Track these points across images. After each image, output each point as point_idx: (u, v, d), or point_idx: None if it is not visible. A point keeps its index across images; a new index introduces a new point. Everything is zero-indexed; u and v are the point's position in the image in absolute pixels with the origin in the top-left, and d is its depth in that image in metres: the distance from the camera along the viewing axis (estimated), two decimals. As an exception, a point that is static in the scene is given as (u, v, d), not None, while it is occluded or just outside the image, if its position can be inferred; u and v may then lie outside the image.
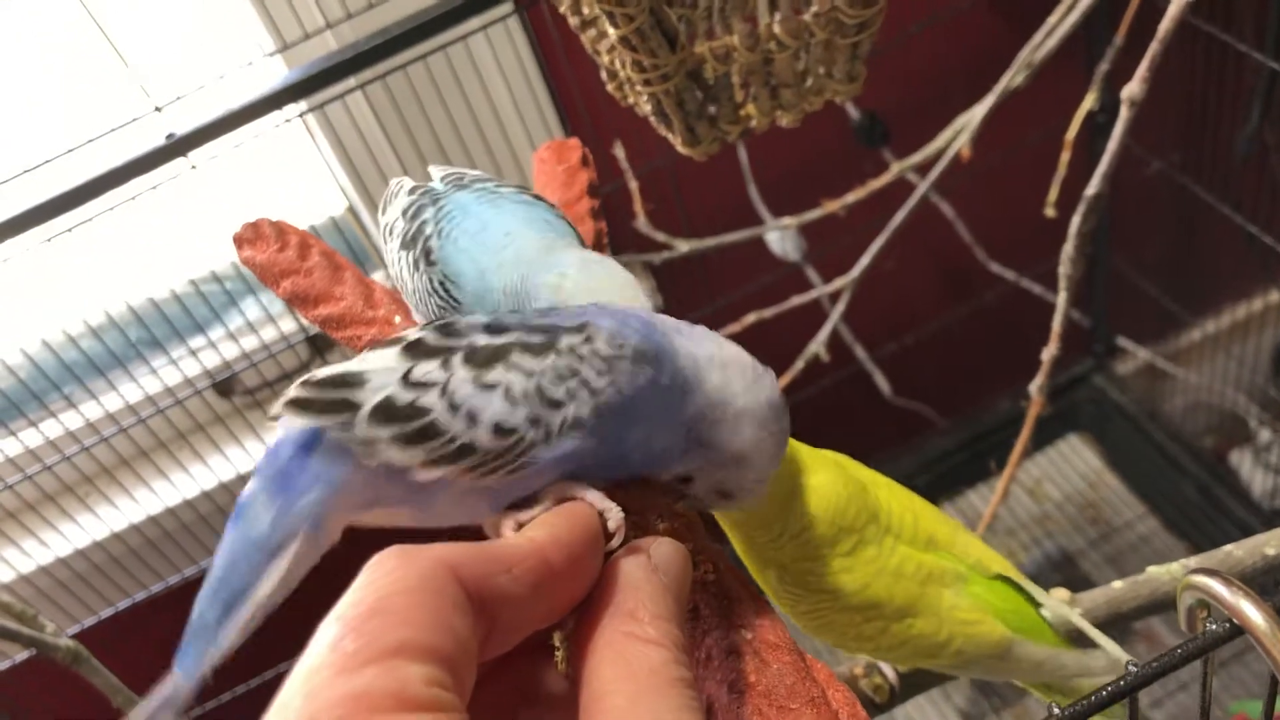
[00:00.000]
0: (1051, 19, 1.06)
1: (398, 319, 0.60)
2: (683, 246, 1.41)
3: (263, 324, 1.46)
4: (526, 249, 0.53)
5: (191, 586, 1.48)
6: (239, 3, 1.28)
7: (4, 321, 1.38)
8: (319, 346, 1.51)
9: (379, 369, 0.40)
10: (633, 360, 0.41)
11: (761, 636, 0.41)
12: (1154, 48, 0.80)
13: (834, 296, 1.51)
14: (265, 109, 1.19)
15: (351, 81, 1.25)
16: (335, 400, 0.39)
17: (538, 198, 0.57)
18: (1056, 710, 0.33)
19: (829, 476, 0.60)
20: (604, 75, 0.79)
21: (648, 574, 0.36)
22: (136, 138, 1.18)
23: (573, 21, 0.74)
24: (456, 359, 0.40)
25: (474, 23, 1.25)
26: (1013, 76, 1.10)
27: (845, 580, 0.59)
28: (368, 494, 0.40)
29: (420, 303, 0.55)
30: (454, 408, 0.39)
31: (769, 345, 0.46)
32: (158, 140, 1.17)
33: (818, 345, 1.34)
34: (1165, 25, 0.78)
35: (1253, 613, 0.33)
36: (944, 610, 0.61)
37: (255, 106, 1.18)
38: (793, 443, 0.61)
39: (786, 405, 0.45)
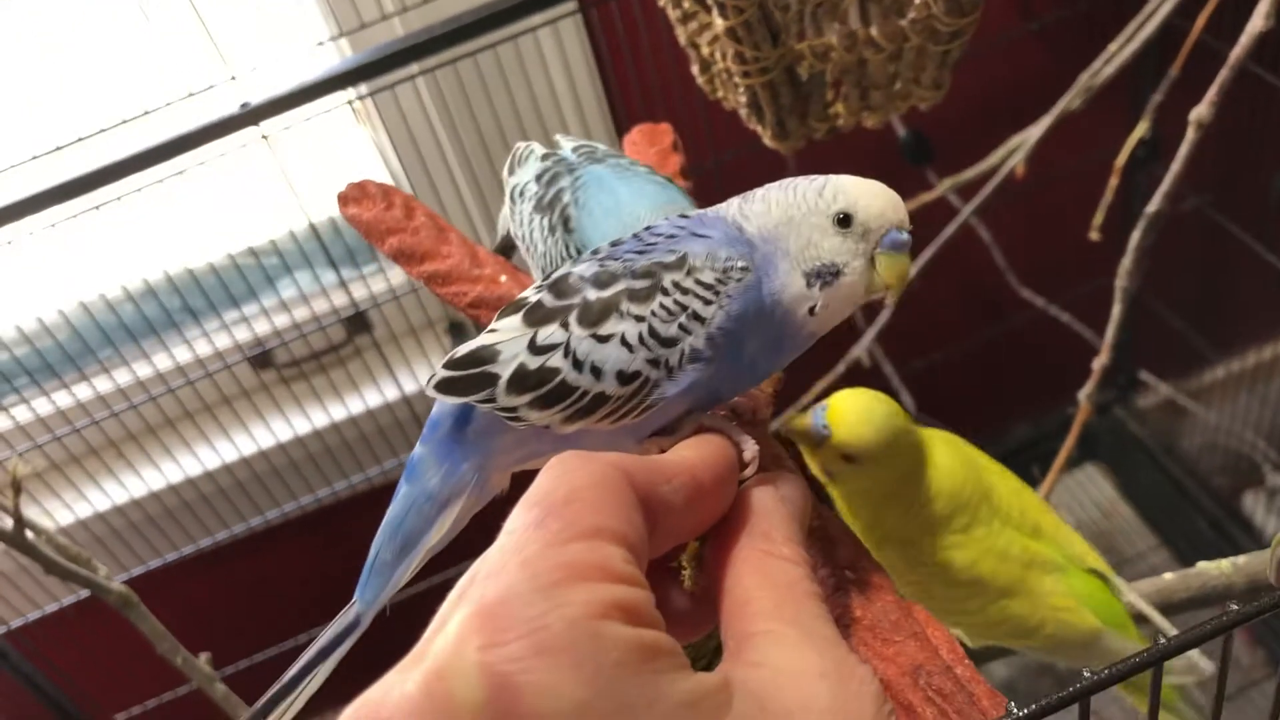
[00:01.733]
0: (1112, 46, 1.10)
1: (503, 278, 0.63)
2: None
3: (300, 301, 1.48)
4: None
5: (239, 544, 1.52)
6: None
7: (66, 277, 1.41)
8: (364, 324, 1.55)
9: (507, 339, 0.43)
10: (736, 278, 0.43)
11: (864, 578, 0.44)
12: (1224, 74, 0.83)
13: (869, 310, 1.54)
14: (336, 86, 1.22)
15: (415, 68, 1.29)
16: (475, 376, 0.43)
17: (669, 180, 0.60)
18: (1163, 640, 0.36)
19: (950, 456, 0.63)
20: (695, 69, 0.82)
21: (777, 502, 0.39)
22: (207, 106, 1.21)
23: (673, 14, 0.77)
24: (573, 318, 0.43)
25: (536, 19, 1.28)
26: (1071, 100, 1.13)
27: (956, 556, 0.62)
28: (521, 450, 0.45)
29: (549, 263, 0.58)
30: (578, 364, 0.42)
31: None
32: (230, 108, 1.20)
33: (860, 350, 1.37)
34: (1236, 53, 0.81)
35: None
36: (1041, 595, 0.64)
37: (326, 83, 1.22)
38: (918, 426, 0.65)
39: None
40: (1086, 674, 0.35)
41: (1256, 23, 0.80)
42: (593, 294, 0.43)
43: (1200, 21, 1.08)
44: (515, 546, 0.30)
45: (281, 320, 1.45)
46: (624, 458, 0.34)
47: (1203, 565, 0.70)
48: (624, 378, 0.42)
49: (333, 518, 1.59)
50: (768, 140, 0.77)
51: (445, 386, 0.43)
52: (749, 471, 0.40)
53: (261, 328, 1.45)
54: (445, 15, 1.24)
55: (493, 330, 0.44)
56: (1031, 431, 2.07)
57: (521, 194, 0.62)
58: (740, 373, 0.45)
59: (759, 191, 0.47)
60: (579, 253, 0.57)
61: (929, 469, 0.63)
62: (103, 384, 1.40)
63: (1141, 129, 1.12)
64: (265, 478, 1.52)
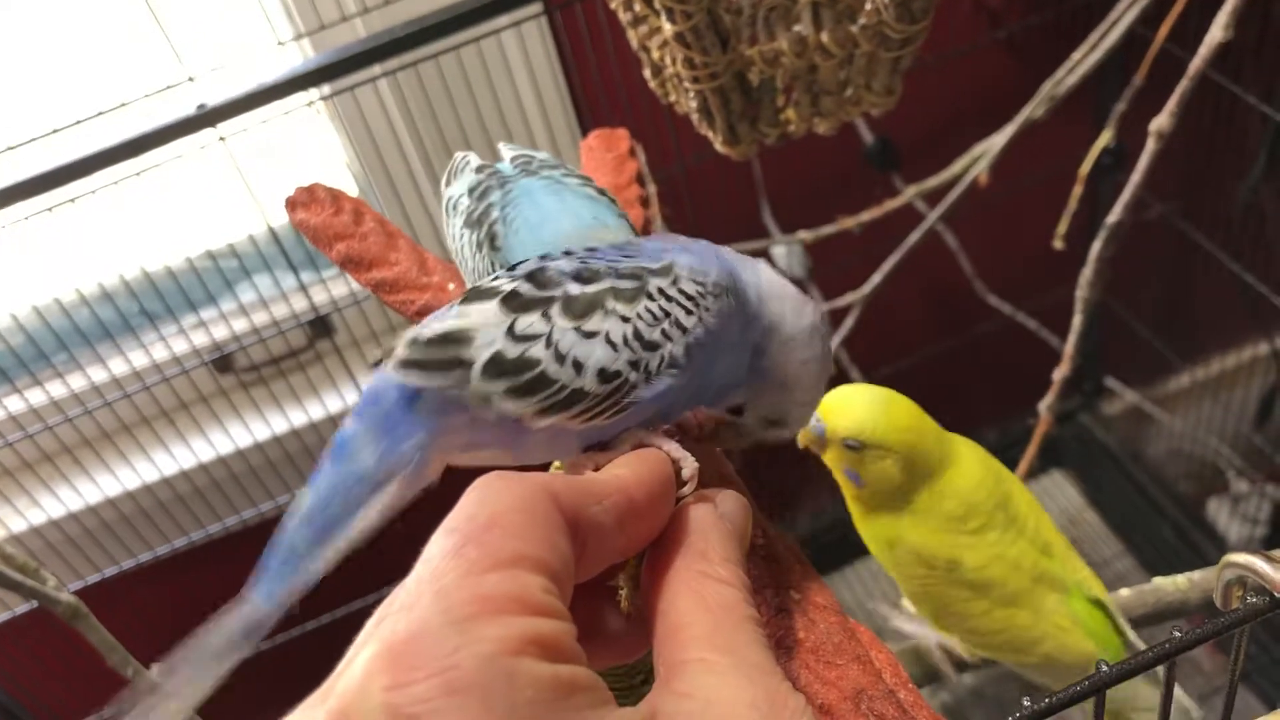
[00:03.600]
0: (1076, 55, 1.09)
1: (451, 286, 0.62)
2: (693, 254, 1.43)
3: (261, 305, 1.46)
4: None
5: (194, 553, 1.50)
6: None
7: (19, 280, 1.39)
8: (326, 328, 1.53)
9: (483, 324, 0.41)
10: (714, 294, 0.43)
11: (809, 598, 0.43)
12: (1184, 85, 0.83)
13: (836, 315, 1.54)
14: (296, 88, 1.21)
15: (377, 69, 1.27)
16: (446, 359, 0.41)
17: (602, 192, 0.58)
18: (1105, 667, 0.35)
19: (971, 457, 0.63)
20: (647, 72, 0.81)
21: (716, 520, 0.37)
22: (166, 107, 1.19)
23: (624, 17, 0.76)
24: (555, 309, 0.41)
25: (502, 20, 1.27)
26: (1034, 108, 1.13)
27: (967, 556, 0.62)
28: (467, 437, 0.42)
29: (478, 278, 0.57)
30: (560, 357, 0.41)
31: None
32: (187, 109, 1.18)
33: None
34: (1196, 64, 0.81)
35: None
36: (1045, 611, 0.64)
37: (286, 85, 1.20)
38: (945, 431, 0.66)
39: (830, 333, 0.48)
40: (1026, 702, 0.35)
41: (1215, 34, 0.80)
42: (575, 288, 0.42)
43: (1163, 31, 1.07)
44: (431, 576, 0.29)
45: (242, 325, 1.43)
46: (553, 478, 0.33)
47: (1158, 581, 0.69)
48: (605, 376, 0.41)
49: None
50: (719, 146, 0.76)
51: (410, 366, 0.41)
52: (687, 489, 0.39)
53: (221, 332, 1.43)
54: (408, 16, 1.23)
55: (462, 314, 0.42)
56: (998, 438, 2.07)
57: (455, 208, 0.61)
58: (698, 393, 0.44)
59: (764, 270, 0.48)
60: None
61: (947, 463, 0.64)
62: (56, 389, 1.38)
63: (1105, 138, 1.12)
64: (224, 484, 1.50)
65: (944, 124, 1.64)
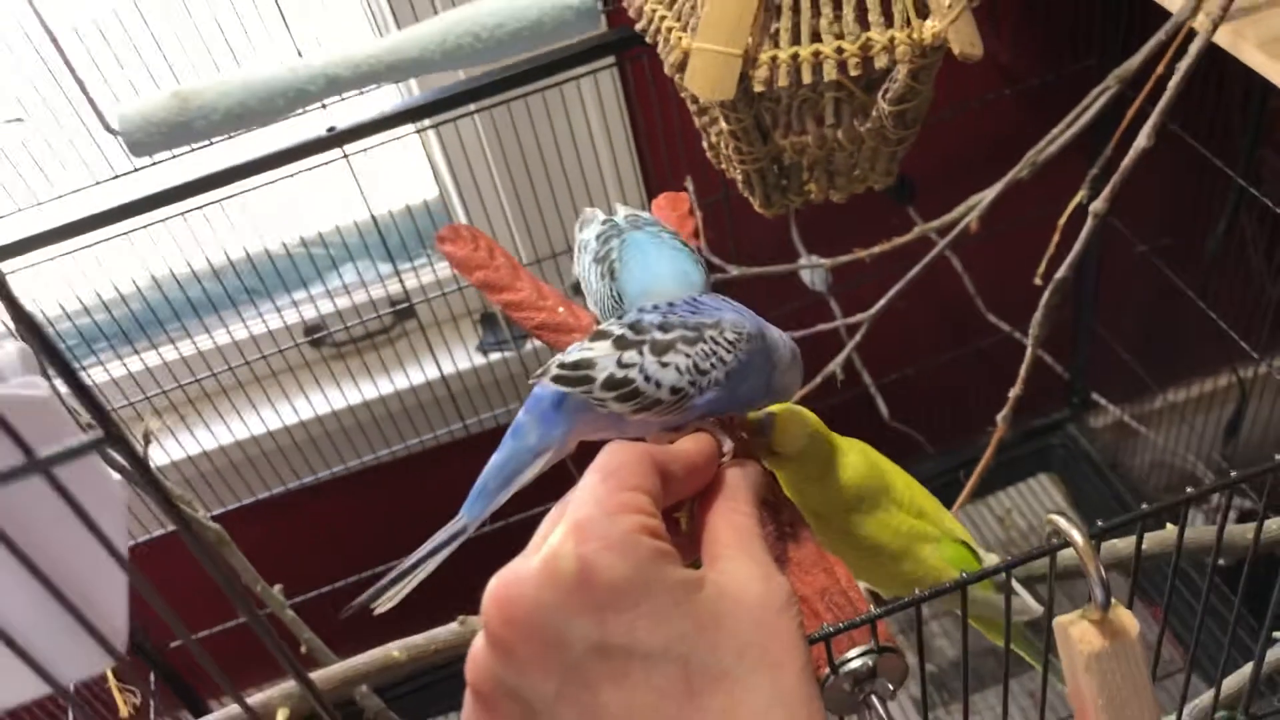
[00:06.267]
0: (1054, 130, 1.32)
1: (560, 309, 0.86)
2: (733, 270, 1.67)
3: (363, 284, 1.72)
4: (657, 290, 0.80)
5: (310, 490, 1.76)
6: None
7: (154, 258, 1.64)
8: (409, 310, 1.78)
9: (601, 356, 0.66)
10: (747, 341, 0.68)
11: (797, 533, 0.68)
12: (1115, 178, 1.05)
13: (851, 328, 1.77)
14: (408, 118, 1.45)
15: (473, 106, 1.52)
16: (579, 377, 0.66)
17: (685, 244, 0.83)
18: (963, 574, 0.59)
19: (858, 457, 0.86)
20: (705, 146, 1.05)
21: (742, 478, 0.62)
22: (300, 127, 1.45)
23: (692, 108, 1.00)
24: (645, 349, 0.66)
25: (579, 69, 1.52)
26: (1019, 170, 1.36)
27: (860, 530, 0.86)
28: (593, 427, 0.69)
29: (600, 301, 0.81)
30: (648, 379, 0.65)
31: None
32: (318, 130, 1.44)
33: (835, 366, 1.60)
34: (1129, 159, 1.03)
35: (1075, 534, 0.60)
36: (922, 559, 0.88)
37: (401, 114, 1.45)
38: (833, 435, 0.88)
39: (800, 357, 0.74)
40: (917, 591, 0.59)
41: (1141, 141, 1.02)
42: (659, 335, 0.66)
43: (1131, 111, 1.29)
44: (589, 491, 0.53)
45: (344, 301, 1.69)
46: (650, 446, 0.57)
47: (1112, 542, 0.93)
48: (674, 391, 0.65)
49: (375, 479, 1.83)
50: (757, 207, 1.01)
51: (559, 379, 0.66)
52: (726, 459, 0.64)
53: (326, 307, 1.68)
54: (501, 64, 1.48)
55: (589, 349, 0.67)
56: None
57: (585, 248, 0.85)
58: (732, 403, 0.68)
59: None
60: (619, 295, 0.80)
61: (840, 467, 0.86)
62: (186, 348, 1.64)
63: (1080, 196, 1.33)
64: (320, 440, 1.76)
65: (958, 165, 1.87)
